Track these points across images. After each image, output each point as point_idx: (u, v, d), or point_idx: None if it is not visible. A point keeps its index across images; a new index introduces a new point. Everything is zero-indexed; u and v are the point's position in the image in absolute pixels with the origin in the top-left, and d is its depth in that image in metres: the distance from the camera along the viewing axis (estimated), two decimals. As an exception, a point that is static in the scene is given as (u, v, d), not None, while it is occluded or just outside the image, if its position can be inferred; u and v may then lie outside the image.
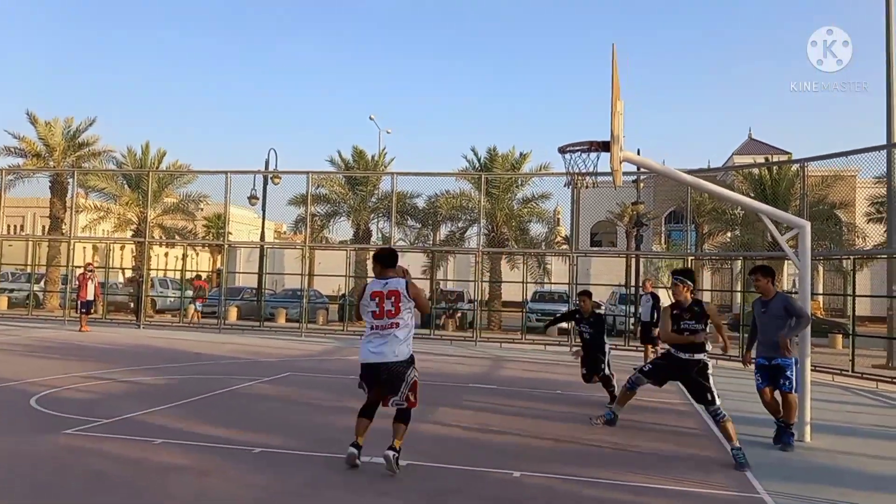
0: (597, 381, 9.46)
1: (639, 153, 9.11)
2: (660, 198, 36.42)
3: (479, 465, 6.11)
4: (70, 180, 25.22)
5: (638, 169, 19.96)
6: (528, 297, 22.70)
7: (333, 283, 27.95)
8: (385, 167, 28.31)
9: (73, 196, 24.42)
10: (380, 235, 26.74)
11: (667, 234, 41.03)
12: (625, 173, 10.97)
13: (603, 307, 27.98)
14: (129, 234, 27.52)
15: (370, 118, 42.86)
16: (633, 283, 24.03)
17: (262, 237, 26.81)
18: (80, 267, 20.95)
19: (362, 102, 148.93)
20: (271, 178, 24.52)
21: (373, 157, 28.63)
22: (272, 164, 26.62)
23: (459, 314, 24.86)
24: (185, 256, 29.53)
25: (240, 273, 36.32)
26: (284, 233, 60.51)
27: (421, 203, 25.55)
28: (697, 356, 6.79)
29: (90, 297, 18.69)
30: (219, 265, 34.23)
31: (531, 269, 24.19)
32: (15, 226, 56.77)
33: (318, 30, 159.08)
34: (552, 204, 25.35)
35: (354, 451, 5.74)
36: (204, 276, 27.58)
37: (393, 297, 5.67)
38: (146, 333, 18.91)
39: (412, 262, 29.37)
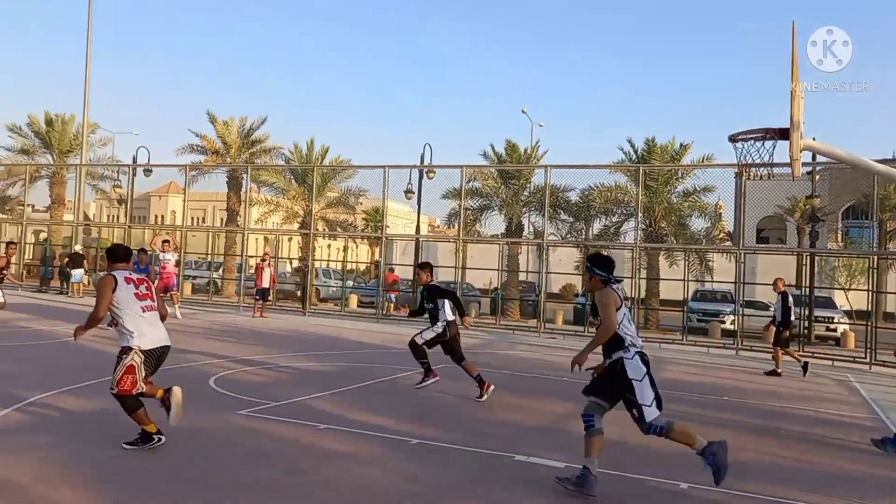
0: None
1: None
2: (836, 191, 33.36)
3: (639, 473, 5.82)
4: (244, 175, 27.12)
5: (814, 158, 18.32)
6: (689, 296, 21.60)
7: (485, 276, 28.11)
8: (538, 160, 28.01)
9: (246, 190, 26.24)
10: (531, 229, 26.52)
11: (844, 231, 37.57)
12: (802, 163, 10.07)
13: (772, 306, 26.07)
14: (295, 226, 29.18)
15: (523, 111, 42.56)
16: (805, 283, 22.21)
17: (418, 230, 27.42)
18: (253, 256, 22.46)
19: (515, 96, 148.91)
20: (426, 173, 25.00)
21: (525, 150, 28.42)
22: (427, 159, 27.16)
23: (614, 311, 24.08)
24: (345, 248, 30.93)
25: (396, 265, 37.49)
26: (438, 226, 61.84)
27: (574, 196, 25.07)
28: (615, 355, 5.20)
29: (265, 284, 19.94)
30: (377, 257, 35.50)
31: (692, 267, 23.01)
32: (197, 218, 62.04)
33: (469, 24, 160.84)
34: (715, 197, 23.96)
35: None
36: (395, 269, 28.50)
37: (145, 283, 5.94)
38: (311, 321, 19.93)
39: (564, 257, 28.93)
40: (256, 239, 34.74)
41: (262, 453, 5.81)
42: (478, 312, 25.10)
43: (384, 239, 24.71)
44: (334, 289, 28.97)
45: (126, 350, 5.62)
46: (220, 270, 29.60)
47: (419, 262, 27.01)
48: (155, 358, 5.77)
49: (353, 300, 27.03)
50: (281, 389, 8.66)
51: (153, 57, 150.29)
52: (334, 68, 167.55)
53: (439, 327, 8.99)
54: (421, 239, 26.91)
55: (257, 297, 20.07)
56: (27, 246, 26.72)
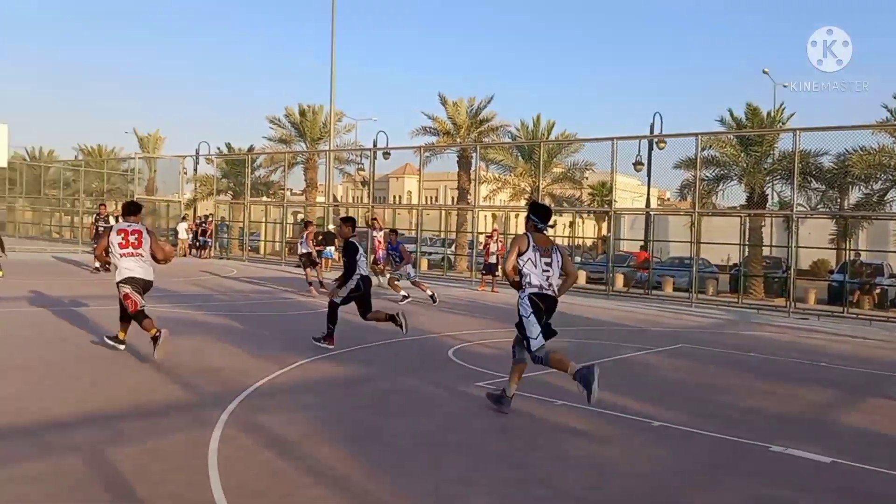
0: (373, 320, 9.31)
1: None
2: None
3: (892, 468, 5.09)
4: (473, 154, 27.95)
5: None
6: (976, 273, 18.54)
7: (723, 251, 26.36)
8: (783, 124, 25.56)
9: (475, 169, 27.05)
10: (776, 199, 24.35)
11: None
12: None
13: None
14: (523, 202, 29.55)
15: (764, 72, 38.98)
16: None
17: (647, 203, 26.45)
18: (483, 232, 23.09)
19: (754, 57, 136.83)
20: (657, 143, 23.97)
21: (768, 113, 26.07)
22: (657, 129, 26.01)
23: (878, 290, 21.46)
24: (572, 224, 30.69)
25: (625, 240, 36.49)
26: (668, 199, 59.16)
27: (827, 162, 22.54)
28: (518, 296, 6.20)
29: (493, 260, 20.48)
30: (604, 232, 34.86)
31: (980, 239, 19.71)
32: (430, 197, 65.24)
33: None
34: None
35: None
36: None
37: (136, 234, 7.74)
38: (539, 296, 20.05)
39: (814, 229, 26.16)
40: (486, 216, 35.72)
41: (501, 425, 5.96)
42: (715, 289, 23.64)
43: (612, 213, 24.14)
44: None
45: (116, 286, 7.70)
46: (453, 247, 30.87)
47: (645, 235, 26.12)
48: (135, 283, 7.66)
49: (582, 276, 26.80)
50: (515, 363, 8.81)
51: (387, 43, 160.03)
52: (557, 41, 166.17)
53: (353, 283, 9.04)
54: (651, 212, 25.89)
55: (485, 272, 20.62)
56: (287, 226, 29.92)
